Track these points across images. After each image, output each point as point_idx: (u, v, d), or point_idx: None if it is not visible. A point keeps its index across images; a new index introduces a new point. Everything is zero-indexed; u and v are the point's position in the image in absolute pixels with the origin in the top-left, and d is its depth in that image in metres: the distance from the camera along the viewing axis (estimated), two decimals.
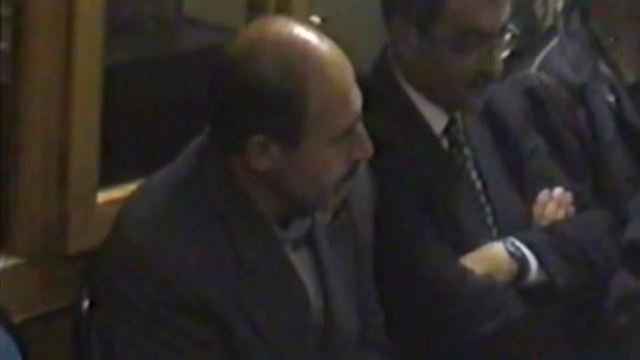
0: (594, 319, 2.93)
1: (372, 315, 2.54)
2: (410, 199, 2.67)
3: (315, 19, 2.76)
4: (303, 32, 2.31)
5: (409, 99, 2.75)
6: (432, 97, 2.75)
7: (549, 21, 3.48)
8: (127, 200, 2.38)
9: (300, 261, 2.39)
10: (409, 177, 2.67)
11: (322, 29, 2.38)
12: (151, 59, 2.95)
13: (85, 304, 2.37)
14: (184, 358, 2.26)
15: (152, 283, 2.23)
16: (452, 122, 2.77)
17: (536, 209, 2.85)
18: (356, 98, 2.32)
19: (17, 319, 2.32)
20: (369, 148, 2.35)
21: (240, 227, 2.32)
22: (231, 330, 2.27)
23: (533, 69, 3.08)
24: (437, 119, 2.76)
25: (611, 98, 3.08)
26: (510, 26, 2.91)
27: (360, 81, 2.35)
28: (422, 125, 2.75)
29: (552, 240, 2.79)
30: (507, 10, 2.75)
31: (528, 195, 2.88)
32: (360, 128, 2.33)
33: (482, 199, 2.82)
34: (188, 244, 2.27)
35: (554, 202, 2.87)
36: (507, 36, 2.88)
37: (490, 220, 2.81)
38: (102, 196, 2.58)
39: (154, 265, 2.24)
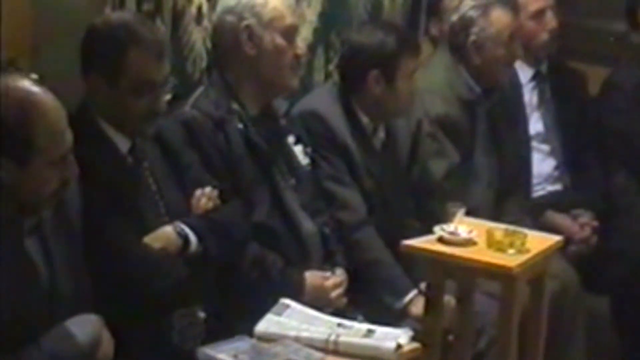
0: (235, 275, 3.08)
1: (81, 280, 2.63)
2: (103, 200, 2.75)
3: (34, 76, 2.52)
4: (32, 87, 2.42)
5: (103, 130, 2.87)
6: (119, 127, 2.87)
7: (196, 75, 3.52)
8: None
9: (32, 245, 2.51)
10: (102, 186, 2.75)
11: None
12: None
13: None
14: None
15: None
16: (134, 145, 2.91)
17: (194, 202, 3.01)
18: (69, 135, 2.45)
19: None
20: (76, 170, 2.49)
21: None
22: None
23: (187, 107, 3.20)
24: (123, 143, 2.89)
25: (240, 125, 3.22)
26: (170, 78, 3.13)
27: (71, 120, 2.47)
28: (112, 148, 2.88)
29: (205, 223, 2.94)
30: (167, 68, 2.92)
31: (189, 193, 3.01)
32: (71, 156, 2.47)
33: (157, 197, 2.94)
34: None
35: (205, 197, 3.02)
36: (169, 85, 3.08)
37: (163, 211, 2.94)
38: None
39: None
